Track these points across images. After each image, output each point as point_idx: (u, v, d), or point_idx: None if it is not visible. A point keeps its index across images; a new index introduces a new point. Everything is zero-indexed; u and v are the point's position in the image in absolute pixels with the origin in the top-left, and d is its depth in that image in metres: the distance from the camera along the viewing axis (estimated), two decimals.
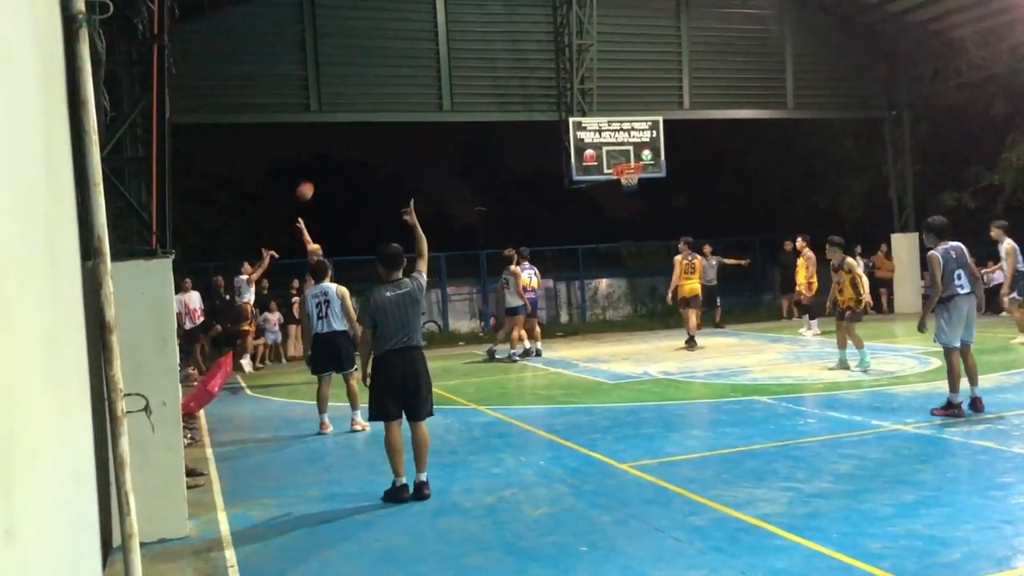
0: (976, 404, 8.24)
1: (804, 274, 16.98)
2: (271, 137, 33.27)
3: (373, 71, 17.56)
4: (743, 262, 20.25)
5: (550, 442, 8.14)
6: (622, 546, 5.09)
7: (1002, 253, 13.63)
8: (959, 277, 8.16)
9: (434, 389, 10.78)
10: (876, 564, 4.50)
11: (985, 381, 9.62)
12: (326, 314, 9.42)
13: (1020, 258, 13.47)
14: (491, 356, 15.58)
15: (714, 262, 19.05)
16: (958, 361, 8.26)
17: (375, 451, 8.05)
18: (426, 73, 17.97)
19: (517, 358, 14.98)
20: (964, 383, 8.29)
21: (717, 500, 5.83)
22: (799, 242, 17.30)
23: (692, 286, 15.66)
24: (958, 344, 8.24)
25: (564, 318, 22.16)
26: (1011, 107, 20.73)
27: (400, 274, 6.64)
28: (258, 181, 41.23)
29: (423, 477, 6.44)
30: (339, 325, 9.47)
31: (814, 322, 16.77)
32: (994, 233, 13.62)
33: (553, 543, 5.23)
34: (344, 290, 9.58)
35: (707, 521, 5.43)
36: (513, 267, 15.48)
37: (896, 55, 20.95)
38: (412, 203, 6.93)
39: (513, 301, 15.23)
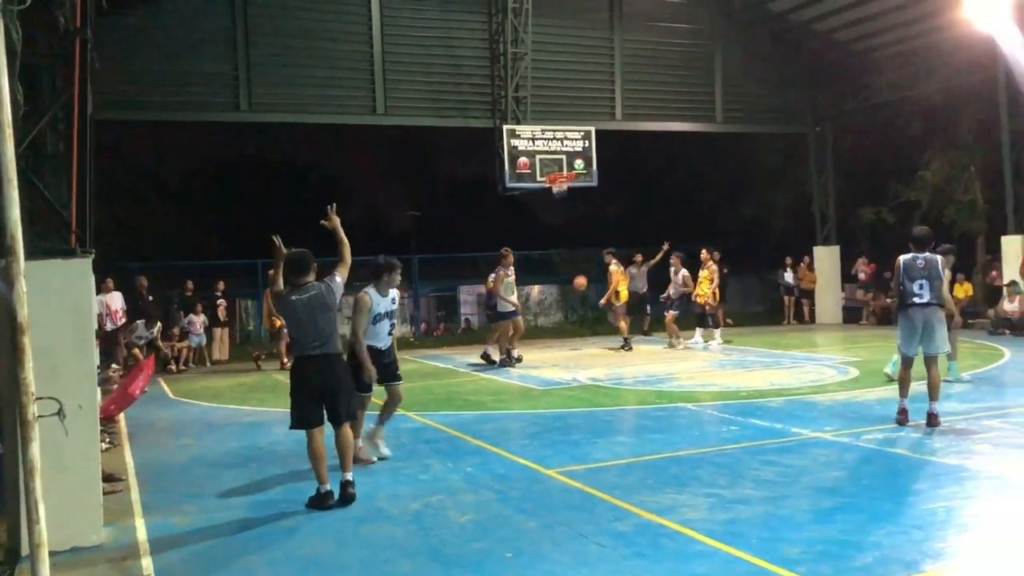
0: (931, 420, 8.12)
1: (708, 285, 17.24)
2: (201, 135, 32.62)
3: (306, 72, 17.38)
4: (663, 247, 19.75)
5: (478, 448, 8.14)
6: (547, 552, 5.11)
7: None
8: (920, 287, 8.12)
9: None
10: (792, 569, 4.61)
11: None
12: None
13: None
14: (487, 359, 14.80)
15: (644, 270, 19.22)
16: (906, 371, 8.36)
17: (300, 457, 7.94)
18: (360, 76, 17.86)
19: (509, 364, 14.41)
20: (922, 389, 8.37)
21: (641, 506, 5.90)
22: (703, 254, 17.57)
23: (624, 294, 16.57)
24: (911, 354, 8.29)
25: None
26: (928, 126, 21.54)
27: (310, 278, 6.56)
28: (186, 179, 40.42)
29: (348, 476, 6.40)
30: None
31: (716, 332, 17.08)
32: None
33: (479, 549, 5.23)
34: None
35: (631, 527, 5.50)
36: (503, 271, 14.61)
37: (821, 73, 21.58)
38: (332, 208, 6.94)
39: (504, 306, 14.52)
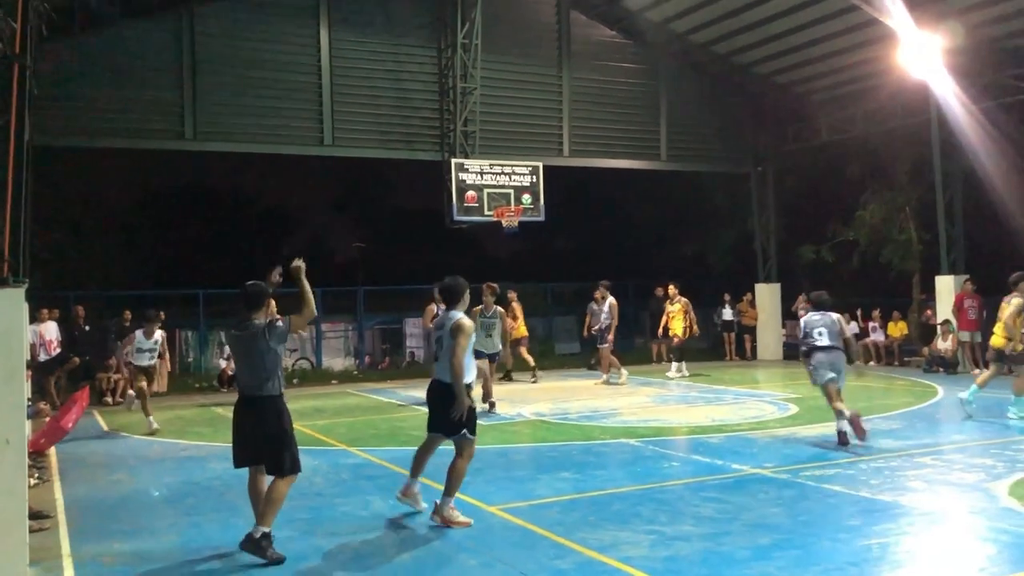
0: (841, 437, 9.25)
1: (682, 319, 17.58)
2: (145, 163, 32.10)
3: (253, 101, 17.30)
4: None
5: (420, 485, 8.05)
6: None
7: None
8: (820, 334, 9.53)
9: (304, 429, 10.51)
10: None
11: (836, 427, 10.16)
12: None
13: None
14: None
15: (607, 305, 19.12)
16: (831, 391, 9.39)
17: (238, 493, 7.80)
18: (307, 106, 17.83)
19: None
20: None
21: (582, 543, 5.89)
22: (671, 289, 17.84)
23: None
24: (824, 380, 9.43)
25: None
26: (865, 168, 22.14)
27: (258, 315, 6.16)
28: (128, 208, 39.66)
29: (259, 530, 5.77)
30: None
31: (683, 364, 17.38)
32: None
33: None
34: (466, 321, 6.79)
35: (572, 564, 5.48)
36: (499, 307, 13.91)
37: (762, 114, 22.12)
38: (299, 262, 6.42)
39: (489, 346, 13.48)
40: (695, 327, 18.10)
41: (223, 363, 18.34)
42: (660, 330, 19.03)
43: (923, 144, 19.08)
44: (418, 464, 6.90)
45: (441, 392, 6.58)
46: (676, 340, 17.81)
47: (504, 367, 17.08)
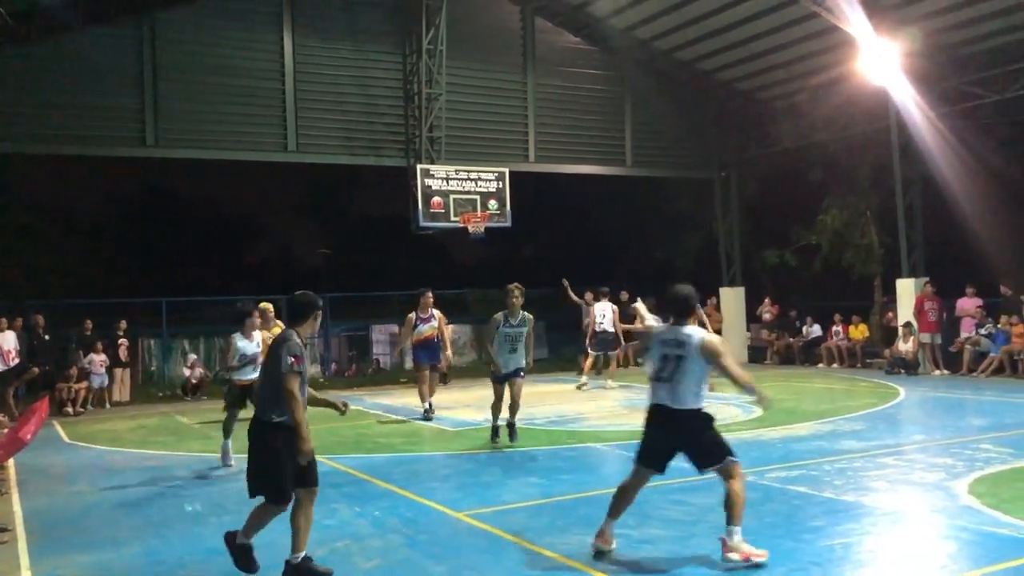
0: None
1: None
2: (107, 170, 31.67)
3: (216, 108, 17.17)
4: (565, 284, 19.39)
5: (386, 491, 8.03)
6: None
7: None
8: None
9: None
10: None
11: (800, 429, 10.32)
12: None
13: None
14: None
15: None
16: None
17: (203, 504, 7.72)
18: (271, 112, 17.73)
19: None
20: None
21: (549, 548, 5.90)
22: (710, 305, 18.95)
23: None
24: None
25: (409, 364, 21.95)
26: (827, 173, 22.44)
27: (302, 327, 5.61)
28: (90, 215, 39.13)
29: (294, 558, 5.59)
30: None
31: None
32: None
33: None
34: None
35: (539, 570, 5.48)
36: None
37: (726, 120, 22.35)
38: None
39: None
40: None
41: (187, 371, 18.14)
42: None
43: (883, 149, 19.38)
44: (622, 504, 5.89)
45: (680, 421, 5.72)
46: None
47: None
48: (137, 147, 16.88)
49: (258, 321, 10.19)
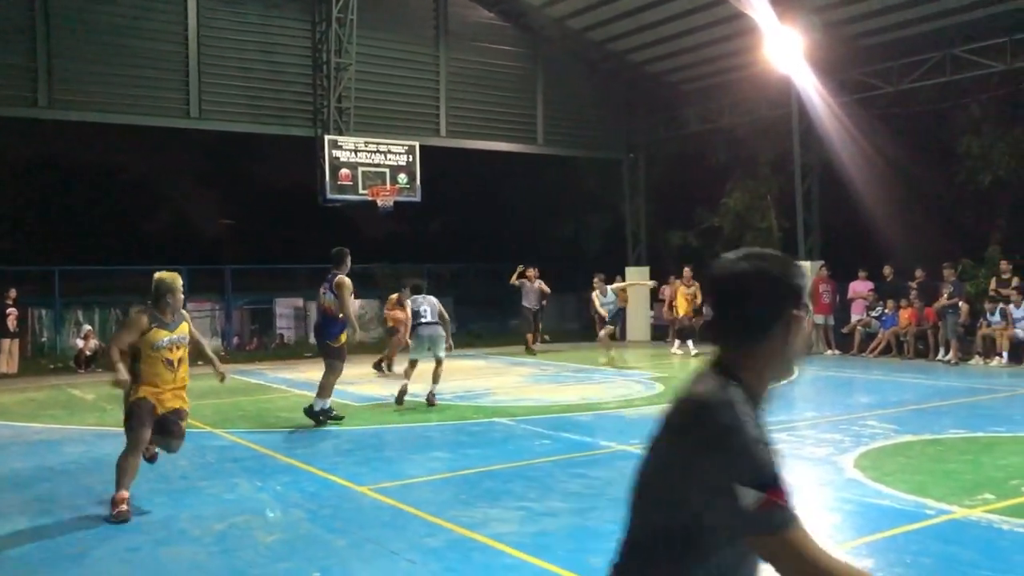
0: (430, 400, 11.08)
1: (689, 302, 18.59)
2: None
3: (113, 70, 16.48)
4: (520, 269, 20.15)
5: (288, 466, 7.93)
6: (356, 570, 5.05)
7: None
8: (425, 312, 11.36)
9: None
10: None
11: None
12: None
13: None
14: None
15: (537, 285, 19.33)
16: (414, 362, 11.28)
17: (96, 478, 7.48)
18: (173, 77, 17.12)
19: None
20: None
21: (453, 521, 5.94)
22: (687, 272, 18.99)
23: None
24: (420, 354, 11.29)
25: (313, 338, 21.67)
26: (731, 157, 23.01)
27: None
28: None
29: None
30: None
31: (688, 343, 18.33)
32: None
33: (285, 569, 5.09)
34: None
35: (442, 542, 5.51)
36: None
37: (635, 102, 22.66)
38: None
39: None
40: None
41: (80, 343, 17.49)
42: (666, 309, 19.97)
43: (785, 136, 19.95)
44: None
45: None
46: (681, 319, 18.87)
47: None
48: (28, 108, 16.07)
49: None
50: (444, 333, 11.35)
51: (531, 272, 19.35)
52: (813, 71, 17.69)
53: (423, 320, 11.35)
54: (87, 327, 17.93)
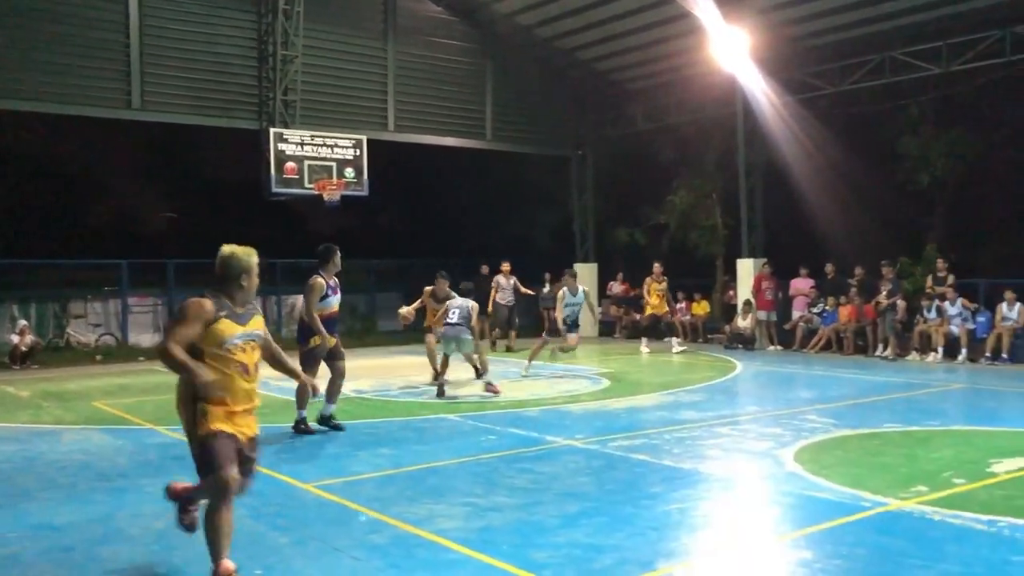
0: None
1: (662, 297, 18.48)
2: None
3: (52, 58, 16.09)
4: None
5: None
6: (299, 568, 5.01)
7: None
8: (453, 314, 11.67)
9: (108, 408, 10.04)
10: (539, 573, 4.80)
11: (644, 400, 10.76)
12: None
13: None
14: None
15: (512, 281, 18.86)
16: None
17: (30, 477, 7.32)
18: (114, 67, 16.77)
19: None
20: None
21: (398, 517, 5.92)
22: (656, 267, 18.43)
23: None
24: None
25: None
26: (677, 155, 23.26)
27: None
28: None
29: None
30: None
31: (674, 340, 18.35)
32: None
33: None
34: None
35: (387, 539, 5.49)
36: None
37: (583, 99, 22.78)
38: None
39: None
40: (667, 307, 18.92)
41: (15, 338, 17.04)
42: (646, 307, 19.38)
43: (730, 135, 20.23)
44: None
45: None
46: (668, 315, 18.94)
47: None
48: None
49: None
50: (469, 336, 11.73)
51: (506, 267, 18.80)
52: (758, 71, 17.96)
53: (448, 321, 11.80)
54: (23, 322, 17.46)
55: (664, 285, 18.61)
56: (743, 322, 18.77)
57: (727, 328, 19.37)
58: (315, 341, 9.37)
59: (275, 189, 17.91)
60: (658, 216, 23.54)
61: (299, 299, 22.08)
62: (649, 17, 18.75)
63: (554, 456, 7.93)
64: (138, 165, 39.81)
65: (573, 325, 14.10)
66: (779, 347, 18.38)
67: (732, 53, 17.34)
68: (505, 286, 18.60)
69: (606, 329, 22.58)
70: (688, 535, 5.57)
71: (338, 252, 9.96)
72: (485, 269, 20.07)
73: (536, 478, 7.06)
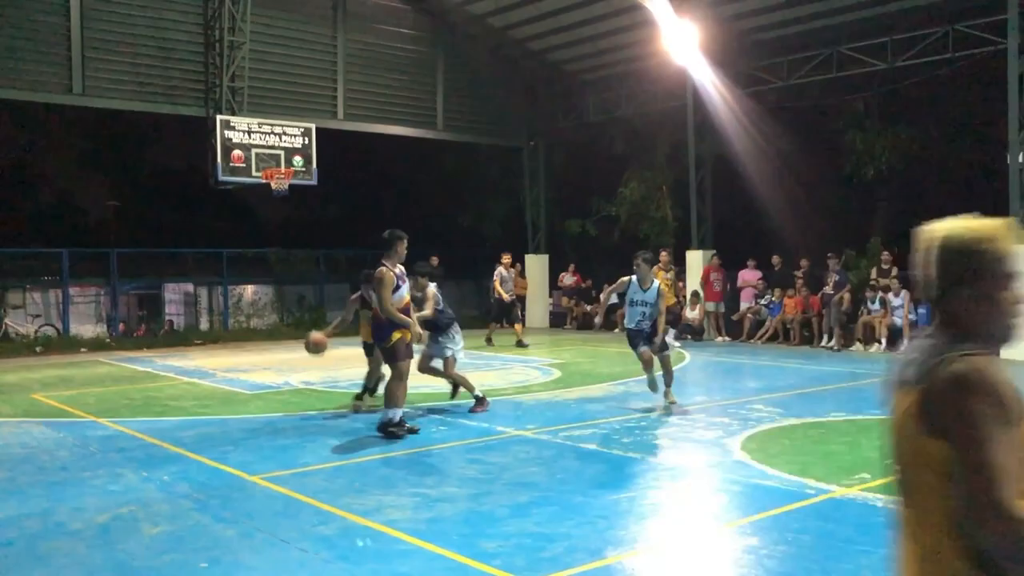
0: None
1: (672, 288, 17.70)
2: None
3: None
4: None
5: (177, 455, 7.69)
6: (245, 560, 4.93)
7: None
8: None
9: (48, 400, 9.84)
10: (489, 563, 4.79)
11: (595, 390, 10.81)
12: None
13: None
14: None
15: (513, 273, 18.76)
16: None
17: None
18: (54, 51, 16.31)
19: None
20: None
21: (347, 509, 5.86)
22: (664, 256, 17.36)
23: None
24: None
25: (204, 325, 21.10)
26: (628, 147, 23.38)
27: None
28: None
29: None
30: None
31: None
32: None
33: (170, 561, 4.93)
34: None
35: (335, 530, 5.44)
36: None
37: (535, 90, 22.77)
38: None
39: None
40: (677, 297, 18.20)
41: None
42: None
43: (680, 127, 20.37)
44: None
45: None
46: (677, 306, 18.29)
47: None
48: None
49: None
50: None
51: (506, 258, 18.54)
52: (708, 64, 18.11)
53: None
54: None
55: (672, 274, 17.73)
56: (692, 313, 18.96)
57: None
58: (398, 335, 8.50)
59: (222, 178, 17.60)
60: (609, 208, 23.65)
61: (247, 288, 21.83)
62: (601, 8, 18.79)
63: (505, 446, 7.93)
64: (81, 152, 38.91)
65: (641, 334, 9.59)
66: (727, 338, 18.61)
67: (683, 46, 17.45)
68: (507, 278, 18.35)
69: (557, 320, 22.67)
70: (637, 523, 5.61)
71: (405, 239, 8.76)
72: (435, 260, 19.94)
73: (487, 468, 7.05)
